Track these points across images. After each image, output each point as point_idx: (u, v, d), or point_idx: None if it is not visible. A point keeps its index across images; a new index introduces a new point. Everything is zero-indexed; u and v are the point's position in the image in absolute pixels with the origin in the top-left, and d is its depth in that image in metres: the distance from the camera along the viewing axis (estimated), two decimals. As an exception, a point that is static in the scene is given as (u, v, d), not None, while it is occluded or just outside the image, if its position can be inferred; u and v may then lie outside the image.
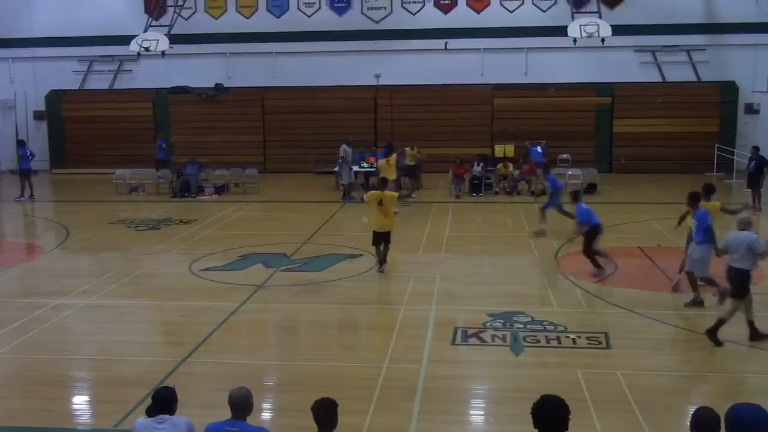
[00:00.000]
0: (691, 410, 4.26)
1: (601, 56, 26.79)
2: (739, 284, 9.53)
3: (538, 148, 25.62)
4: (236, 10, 29.34)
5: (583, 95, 27.51)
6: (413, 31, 28.24)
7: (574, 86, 27.50)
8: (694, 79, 27.56)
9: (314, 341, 10.40)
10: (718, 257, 10.53)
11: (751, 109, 27.23)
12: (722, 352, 9.54)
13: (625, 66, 27.50)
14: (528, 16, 27.83)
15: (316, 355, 9.69)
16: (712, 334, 9.50)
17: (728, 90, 27.01)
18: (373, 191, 13.99)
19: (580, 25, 24.45)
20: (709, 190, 12.25)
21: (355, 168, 22.69)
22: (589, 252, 13.20)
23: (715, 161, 25.50)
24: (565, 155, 26.27)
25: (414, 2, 28.50)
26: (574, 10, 26.16)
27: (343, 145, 22.21)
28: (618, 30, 24.63)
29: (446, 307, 11.54)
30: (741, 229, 9.72)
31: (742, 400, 4.04)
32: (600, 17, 25.01)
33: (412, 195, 22.10)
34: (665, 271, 13.45)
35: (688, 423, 4.15)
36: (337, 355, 9.74)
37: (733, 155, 25.12)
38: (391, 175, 19.14)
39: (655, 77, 27.78)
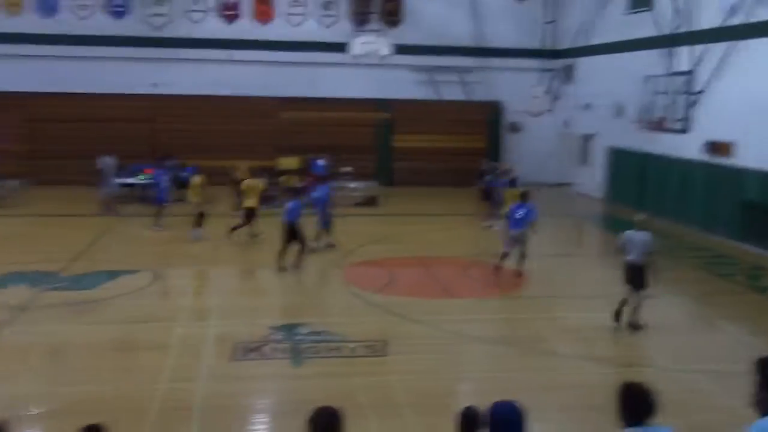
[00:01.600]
0: (461, 409, 4.59)
1: (382, 74, 27.80)
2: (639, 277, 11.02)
3: (320, 162, 26.04)
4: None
5: (365, 110, 28.38)
6: (196, 40, 27.57)
7: (357, 102, 28.27)
8: (465, 98, 29.44)
9: (85, 364, 9.73)
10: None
11: (514, 127, 29.62)
12: (484, 353, 10.30)
13: (404, 84, 28.73)
14: (312, 31, 28.23)
15: (87, 378, 9.09)
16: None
17: (494, 109, 29.19)
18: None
19: (361, 43, 25.24)
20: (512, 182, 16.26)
21: (131, 180, 22.06)
22: None
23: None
24: (347, 168, 26.91)
25: (196, 11, 27.85)
26: (356, 28, 26.89)
27: (104, 157, 21.39)
28: (397, 49, 25.72)
29: (225, 322, 11.34)
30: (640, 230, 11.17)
31: (504, 397, 4.53)
32: (380, 36, 25.96)
33: None
34: (438, 278, 14.22)
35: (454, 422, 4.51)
36: (110, 377, 9.18)
37: (499, 170, 27.13)
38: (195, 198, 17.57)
39: (431, 95, 29.31)
